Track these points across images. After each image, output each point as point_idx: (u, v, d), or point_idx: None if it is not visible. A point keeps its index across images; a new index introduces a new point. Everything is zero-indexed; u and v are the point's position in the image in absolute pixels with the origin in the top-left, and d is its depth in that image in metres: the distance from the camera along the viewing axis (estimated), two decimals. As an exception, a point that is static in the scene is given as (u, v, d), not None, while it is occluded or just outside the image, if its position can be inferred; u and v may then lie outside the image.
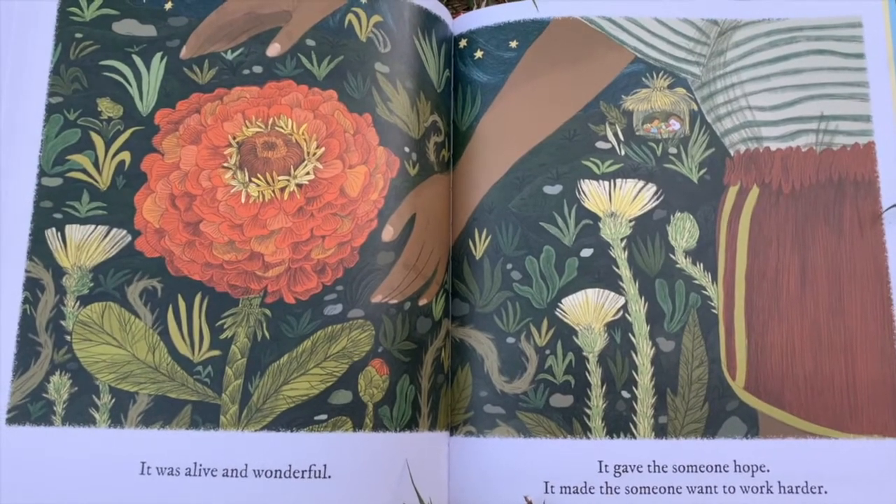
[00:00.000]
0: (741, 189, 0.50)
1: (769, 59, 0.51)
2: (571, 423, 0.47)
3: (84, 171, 0.47)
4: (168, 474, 0.44)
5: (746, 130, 0.51)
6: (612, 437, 0.47)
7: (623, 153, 0.50)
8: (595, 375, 0.47)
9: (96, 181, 0.47)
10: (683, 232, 0.49)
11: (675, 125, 0.51)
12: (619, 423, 0.47)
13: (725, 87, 0.51)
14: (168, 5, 0.49)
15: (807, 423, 0.47)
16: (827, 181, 0.50)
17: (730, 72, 0.51)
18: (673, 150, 0.50)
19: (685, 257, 0.49)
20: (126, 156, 0.48)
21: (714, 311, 0.48)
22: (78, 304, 0.46)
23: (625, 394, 0.47)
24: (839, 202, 0.49)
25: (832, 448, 0.46)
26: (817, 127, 0.50)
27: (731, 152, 0.50)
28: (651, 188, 0.50)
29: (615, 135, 0.51)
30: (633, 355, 0.48)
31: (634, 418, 0.47)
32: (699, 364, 0.48)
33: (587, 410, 0.47)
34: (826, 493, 0.46)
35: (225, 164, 0.48)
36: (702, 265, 0.49)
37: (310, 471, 0.44)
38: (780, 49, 0.52)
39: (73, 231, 0.47)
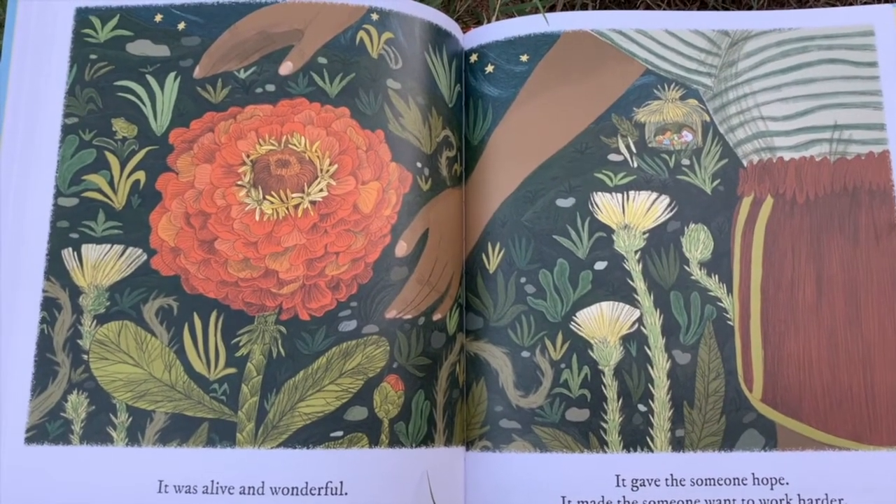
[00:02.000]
0: (755, 199, 0.50)
1: (781, 69, 0.51)
2: (588, 437, 0.47)
3: (100, 190, 0.48)
4: (185, 492, 0.44)
5: (759, 141, 0.50)
6: (628, 451, 0.46)
7: (636, 165, 0.50)
8: (611, 389, 0.47)
9: (112, 201, 0.48)
10: (698, 243, 0.49)
11: (687, 136, 0.51)
12: (635, 437, 0.47)
13: (737, 98, 0.51)
14: (181, 25, 0.50)
15: (825, 435, 0.46)
16: (841, 190, 0.50)
17: (742, 82, 0.51)
18: (686, 162, 0.50)
19: (700, 269, 0.49)
20: (141, 175, 0.48)
21: (730, 322, 0.48)
22: (95, 323, 0.46)
23: (641, 407, 0.47)
24: (854, 211, 0.49)
25: (852, 460, 0.46)
26: (831, 136, 0.50)
27: (745, 163, 0.50)
28: (664, 200, 0.50)
29: (627, 147, 0.50)
30: (649, 368, 0.47)
31: (651, 432, 0.47)
32: (715, 376, 0.47)
33: (603, 424, 0.47)
34: (846, 505, 0.45)
35: (239, 182, 0.48)
36: (717, 276, 0.49)
37: (326, 487, 0.44)
38: (791, 59, 0.51)
39: (90, 250, 0.47)
